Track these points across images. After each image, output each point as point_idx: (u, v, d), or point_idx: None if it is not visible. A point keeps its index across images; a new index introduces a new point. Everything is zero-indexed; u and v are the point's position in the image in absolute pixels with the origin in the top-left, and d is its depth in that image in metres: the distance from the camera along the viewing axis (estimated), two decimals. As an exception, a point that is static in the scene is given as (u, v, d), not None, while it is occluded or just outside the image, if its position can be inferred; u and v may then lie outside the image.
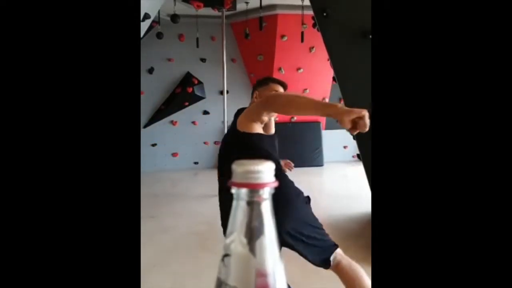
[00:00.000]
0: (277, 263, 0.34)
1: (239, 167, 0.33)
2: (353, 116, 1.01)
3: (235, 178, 0.34)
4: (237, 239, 0.34)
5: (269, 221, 0.34)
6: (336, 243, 1.60)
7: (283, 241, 1.38)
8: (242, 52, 6.52)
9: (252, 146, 1.47)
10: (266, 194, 0.34)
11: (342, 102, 3.02)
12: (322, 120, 6.72)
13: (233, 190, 0.34)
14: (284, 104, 1.32)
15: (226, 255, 0.34)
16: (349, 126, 1.02)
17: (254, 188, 0.33)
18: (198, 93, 6.42)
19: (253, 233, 0.33)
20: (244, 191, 0.33)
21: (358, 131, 1.03)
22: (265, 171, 0.33)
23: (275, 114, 1.53)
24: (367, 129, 1.01)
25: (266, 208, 0.34)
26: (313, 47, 5.99)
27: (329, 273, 1.56)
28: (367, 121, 1.00)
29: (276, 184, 0.34)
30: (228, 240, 0.34)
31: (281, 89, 1.67)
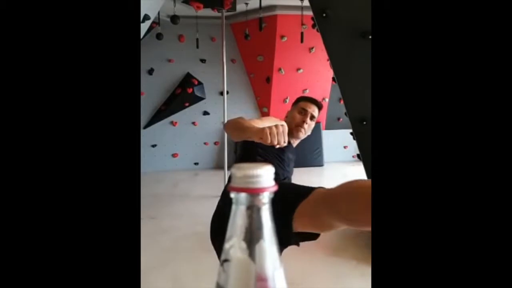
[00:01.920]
0: (277, 267, 0.34)
1: (238, 171, 0.33)
2: (258, 136, 1.14)
3: (234, 183, 0.34)
4: (236, 244, 0.33)
5: (268, 225, 0.34)
6: (336, 242, 1.48)
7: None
8: (242, 52, 6.52)
9: (242, 147, 1.58)
10: (265, 198, 0.34)
11: (342, 102, 3.02)
12: (322, 120, 6.72)
13: (232, 195, 0.34)
14: (227, 131, 1.40)
15: (225, 260, 0.34)
16: (264, 142, 1.13)
17: (253, 193, 0.33)
18: (198, 93, 6.42)
19: (252, 238, 0.33)
20: (243, 195, 0.33)
21: (277, 144, 1.13)
22: (264, 175, 0.33)
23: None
24: (277, 143, 1.11)
25: (266, 212, 0.34)
26: (312, 48, 5.99)
27: (329, 273, 1.56)
28: (268, 138, 1.10)
29: (275, 188, 0.34)
30: (227, 245, 0.34)
31: (311, 107, 1.69)
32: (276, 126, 1.12)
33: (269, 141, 1.10)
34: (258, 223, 0.34)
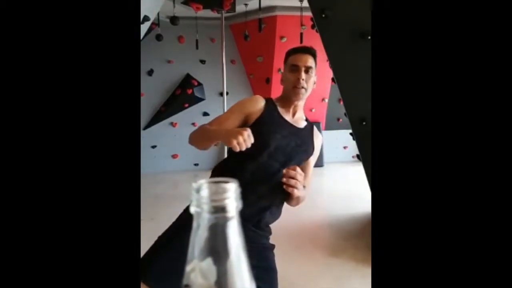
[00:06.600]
0: (247, 286, 0.30)
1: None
2: (228, 143, 1.15)
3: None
4: (197, 268, 0.29)
5: (236, 243, 0.30)
6: (336, 243, 1.50)
7: None
8: (242, 53, 6.52)
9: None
10: (232, 211, 0.29)
11: (342, 103, 3.03)
12: (322, 120, 6.72)
13: (192, 209, 0.30)
14: (193, 143, 1.38)
15: (186, 286, 0.30)
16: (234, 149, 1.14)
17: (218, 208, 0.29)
18: (197, 94, 6.42)
19: (217, 259, 0.29)
20: (206, 208, 0.29)
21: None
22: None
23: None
24: (240, 147, 1.12)
25: (233, 229, 0.30)
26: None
27: (328, 274, 1.55)
28: (237, 148, 1.12)
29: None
30: (188, 268, 0.30)
31: (302, 59, 1.42)
32: (241, 133, 1.12)
33: (238, 149, 1.12)
34: (223, 242, 0.29)
